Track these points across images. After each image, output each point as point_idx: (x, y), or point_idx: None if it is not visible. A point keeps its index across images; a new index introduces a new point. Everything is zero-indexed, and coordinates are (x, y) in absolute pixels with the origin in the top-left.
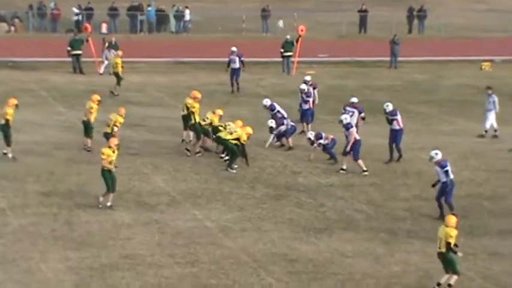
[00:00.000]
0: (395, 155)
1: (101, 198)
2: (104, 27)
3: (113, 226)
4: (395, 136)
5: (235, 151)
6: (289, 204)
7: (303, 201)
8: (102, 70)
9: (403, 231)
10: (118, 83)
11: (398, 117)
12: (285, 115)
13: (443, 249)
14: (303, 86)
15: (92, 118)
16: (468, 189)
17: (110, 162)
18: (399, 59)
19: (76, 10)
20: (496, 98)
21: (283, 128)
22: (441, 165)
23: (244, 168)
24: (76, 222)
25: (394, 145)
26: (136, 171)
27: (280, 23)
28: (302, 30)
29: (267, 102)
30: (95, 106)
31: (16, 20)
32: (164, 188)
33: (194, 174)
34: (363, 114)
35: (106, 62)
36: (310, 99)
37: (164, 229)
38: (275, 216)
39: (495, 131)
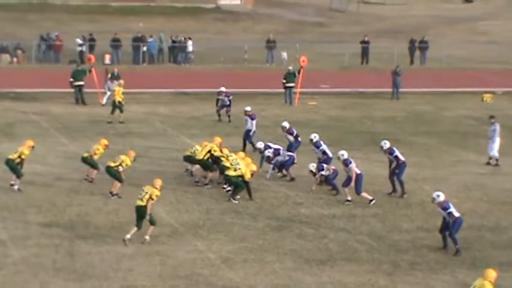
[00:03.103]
0: (398, 186)
1: (147, 237)
2: (108, 58)
3: (114, 257)
4: (397, 169)
5: (240, 185)
6: (291, 235)
7: (305, 232)
8: (104, 101)
9: (405, 262)
10: (121, 110)
11: (397, 153)
12: (281, 148)
13: None
14: (285, 124)
15: (95, 158)
16: (470, 220)
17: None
18: (401, 90)
19: (80, 41)
20: (498, 127)
21: (280, 158)
22: (443, 207)
23: (246, 199)
24: (77, 253)
25: (395, 178)
26: None
27: (284, 55)
28: (304, 61)
29: (260, 144)
30: (101, 149)
31: (19, 51)
32: (166, 219)
33: (196, 205)
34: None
35: (108, 93)
36: (294, 134)
37: (166, 260)
38: (277, 248)
39: (496, 159)
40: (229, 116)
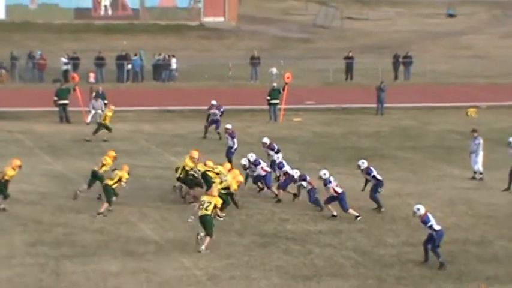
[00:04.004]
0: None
1: (203, 247)
2: (92, 77)
3: (100, 276)
4: (374, 186)
5: (224, 200)
6: (277, 252)
7: (291, 248)
8: (88, 120)
9: (391, 277)
10: (108, 130)
11: (374, 173)
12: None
13: None
14: (265, 140)
15: (102, 170)
16: (455, 234)
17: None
18: (385, 105)
19: (65, 60)
20: (481, 140)
21: (262, 172)
22: (424, 220)
23: (232, 215)
24: (63, 272)
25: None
26: (123, 220)
27: (274, 70)
28: (288, 78)
29: (245, 161)
30: (109, 161)
31: (2, 71)
32: (152, 237)
33: (182, 222)
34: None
35: (93, 112)
36: (275, 149)
37: (152, 278)
38: (263, 264)
39: (480, 173)
40: (218, 133)
